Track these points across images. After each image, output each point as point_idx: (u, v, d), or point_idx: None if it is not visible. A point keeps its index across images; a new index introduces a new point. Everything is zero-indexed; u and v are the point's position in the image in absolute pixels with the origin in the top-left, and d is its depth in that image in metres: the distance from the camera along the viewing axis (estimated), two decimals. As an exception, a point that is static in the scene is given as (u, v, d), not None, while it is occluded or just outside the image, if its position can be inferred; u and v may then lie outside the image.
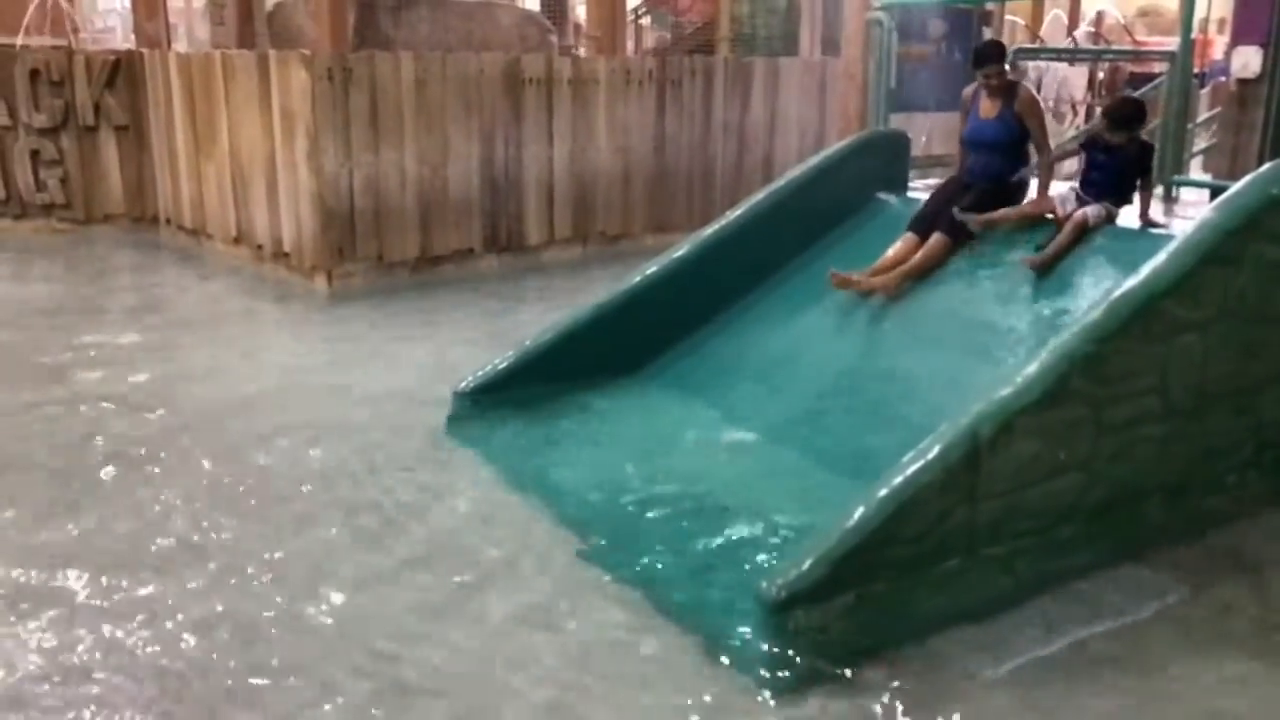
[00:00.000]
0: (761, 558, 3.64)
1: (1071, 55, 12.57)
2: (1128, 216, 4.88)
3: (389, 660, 3.17)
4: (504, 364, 5.09)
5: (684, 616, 3.38)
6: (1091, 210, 4.75)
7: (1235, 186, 4.08)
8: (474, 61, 8.19)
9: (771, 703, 3.00)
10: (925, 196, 5.49)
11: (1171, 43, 7.77)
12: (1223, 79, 8.24)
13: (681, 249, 5.55)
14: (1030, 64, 11.43)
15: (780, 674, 3.08)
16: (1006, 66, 5.26)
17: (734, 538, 3.82)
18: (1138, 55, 12.08)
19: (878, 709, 2.99)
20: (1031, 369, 3.54)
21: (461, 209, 8.23)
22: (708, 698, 3.02)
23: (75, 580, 3.61)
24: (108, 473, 4.51)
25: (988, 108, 5.17)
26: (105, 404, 5.33)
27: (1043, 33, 14.75)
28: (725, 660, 3.16)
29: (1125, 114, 4.82)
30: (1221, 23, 13.45)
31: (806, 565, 3.14)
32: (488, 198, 8.37)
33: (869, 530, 3.19)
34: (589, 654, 3.21)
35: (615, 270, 6.99)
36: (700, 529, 3.89)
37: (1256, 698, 3.08)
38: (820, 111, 10.45)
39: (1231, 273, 3.89)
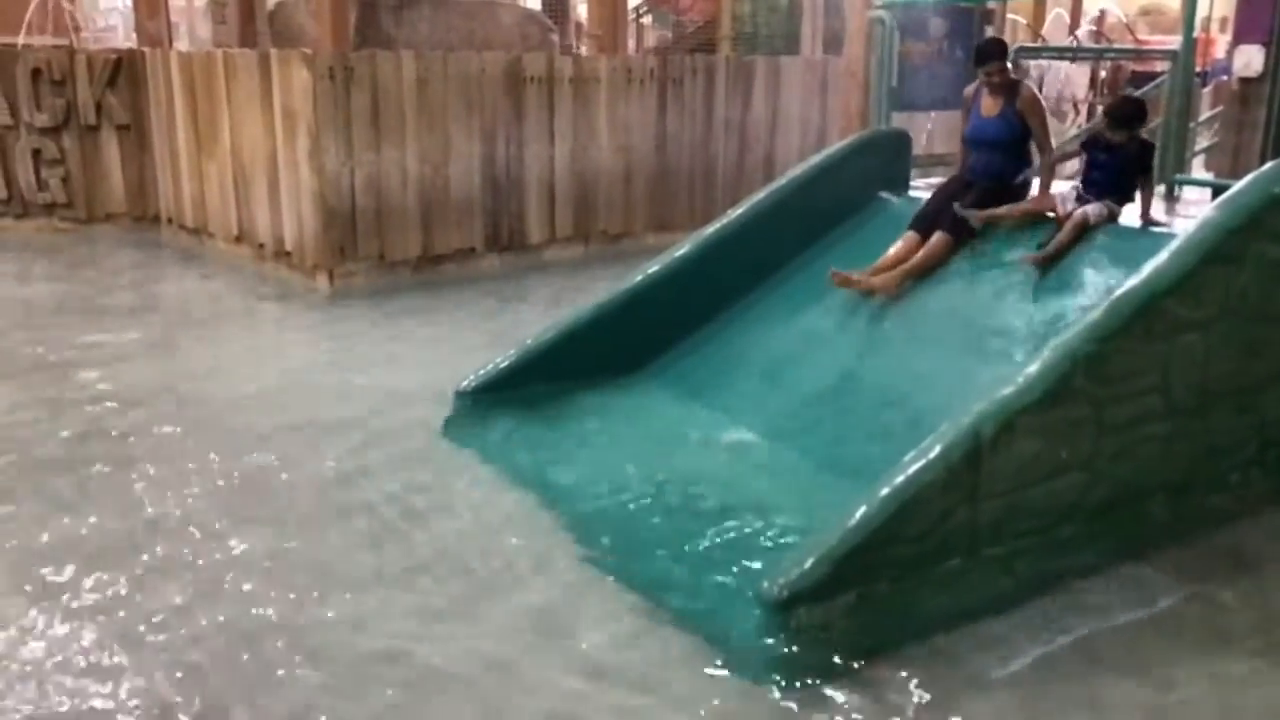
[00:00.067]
0: (762, 557, 3.64)
1: (1073, 54, 12.56)
2: (1129, 215, 4.88)
3: (389, 663, 3.17)
4: (505, 363, 5.09)
5: (685, 616, 3.38)
6: (1092, 209, 4.74)
7: (1237, 185, 4.07)
8: (475, 60, 8.18)
9: (772, 702, 3.00)
10: (927, 195, 5.49)
11: (1173, 41, 7.76)
12: (1225, 78, 8.22)
13: (683, 248, 5.55)
14: (1032, 63, 11.42)
15: (781, 673, 3.07)
16: (1008, 64, 5.26)
17: (735, 537, 3.82)
18: (1140, 54, 12.07)
19: (879, 708, 2.98)
20: (1033, 368, 3.54)
21: (463, 208, 8.23)
22: (708, 697, 3.02)
23: (68, 580, 3.61)
24: (108, 471, 4.51)
25: (989, 106, 5.17)
26: (106, 402, 5.33)
27: (1044, 31, 14.73)
28: (726, 660, 3.16)
29: (1126, 113, 4.82)
30: (1224, 21, 13.45)
31: (808, 564, 3.14)
32: (489, 197, 8.37)
33: (871, 529, 3.19)
34: (589, 654, 3.21)
35: (616, 269, 6.98)
36: (701, 528, 3.88)
37: (1259, 697, 3.07)
38: (822, 110, 10.44)
39: (1233, 271, 3.88)
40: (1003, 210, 4.97)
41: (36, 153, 9.30)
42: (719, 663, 3.16)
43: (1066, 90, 13.43)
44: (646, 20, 16.93)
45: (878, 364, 4.76)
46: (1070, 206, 4.80)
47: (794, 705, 2.99)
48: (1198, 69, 7.58)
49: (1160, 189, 6.02)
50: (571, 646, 3.25)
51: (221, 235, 8.82)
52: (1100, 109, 5.90)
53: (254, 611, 3.43)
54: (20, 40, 12.84)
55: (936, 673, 3.12)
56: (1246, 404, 4.07)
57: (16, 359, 6.08)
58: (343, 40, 8.45)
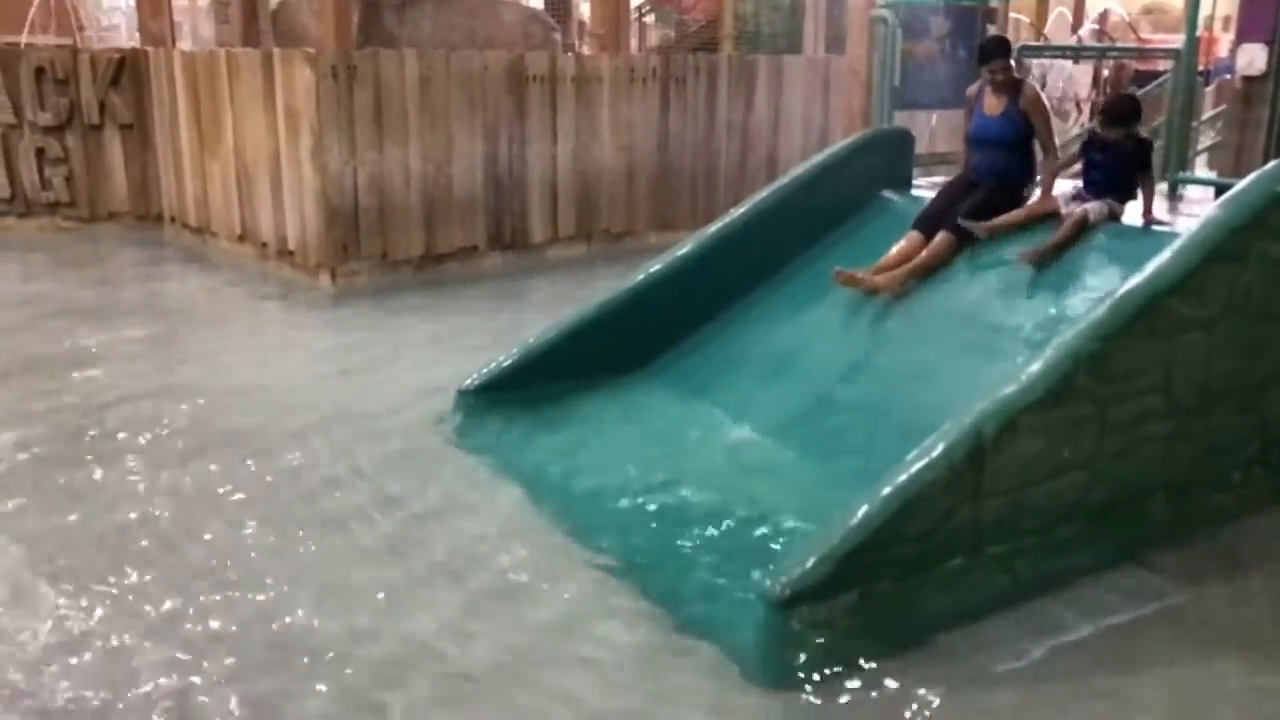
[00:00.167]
0: (765, 556, 3.64)
1: (1076, 53, 12.55)
2: (1132, 214, 4.88)
3: (390, 665, 3.18)
4: (508, 362, 5.10)
5: (685, 614, 3.38)
6: (1092, 207, 4.75)
7: (1240, 184, 4.07)
8: (478, 59, 8.19)
9: (774, 701, 3.01)
10: (930, 194, 5.49)
11: (1176, 40, 7.76)
12: (1228, 76, 8.22)
13: (685, 247, 5.55)
14: (1035, 61, 11.41)
15: (783, 672, 3.07)
16: (1012, 62, 5.25)
17: (736, 536, 3.82)
18: (1142, 53, 12.05)
19: (880, 707, 2.99)
20: (1036, 367, 3.54)
21: (465, 207, 8.24)
22: (709, 695, 3.02)
23: (65, 584, 3.61)
24: (108, 470, 4.51)
25: (993, 105, 5.16)
26: (107, 401, 5.34)
27: (1047, 30, 14.72)
28: (727, 658, 3.16)
29: (1120, 111, 4.83)
30: (1226, 20, 13.43)
31: (811, 563, 3.14)
32: (492, 195, 8.37)
33: (873, 528, 3.19)
34: (589, 653, 3.21)
35: (619, 268, 6.99)
36: (702, 527, 3.89)
37: (1260, 697, 3.07)
38: (824, 109, 10.44)
39: (1237, 270, 3.88)
40: (1006, 218, 4.95)
41: (40, 152, 9.31)
42: (720, 661, 3.16)
43: (1069, 89, 13.42)
44: (649, 19, 16.92)
45: (881, 363, 4.76)
46: (1071, 207, 4.81)
47: (795, 704, 2.99)
48: (1200, 67, 7.58)
49: (1163, 188, 6.02)
50: (571, 646, 3.25)
51: (224, 234, 8.83)
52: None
53: (249, 613, 3.43)
54: (24, 39, 12.84)
55: (938, 672, 3.13)
56: (1249, 403, 4.06)
57: (18, 357, 6.09)
58: (345, 39, 8.45)
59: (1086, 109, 13.32)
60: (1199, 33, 6.15)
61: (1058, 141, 5.24)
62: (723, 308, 5.49)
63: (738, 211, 5.68)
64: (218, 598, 3.49)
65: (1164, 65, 8.03)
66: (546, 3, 12.98)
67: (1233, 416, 4.02)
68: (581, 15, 14.66)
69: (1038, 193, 5.13)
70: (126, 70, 9.45)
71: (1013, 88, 5.13)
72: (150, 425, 5.03)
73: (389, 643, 3.25)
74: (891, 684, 3.07)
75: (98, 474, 4.47)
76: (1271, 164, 4.13)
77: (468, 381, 5.05)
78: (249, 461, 4.60)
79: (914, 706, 2.99)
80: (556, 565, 3.71)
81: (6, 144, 9.28)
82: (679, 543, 3.80)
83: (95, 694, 2.98)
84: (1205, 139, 8.28)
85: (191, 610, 3.42)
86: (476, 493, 4.30)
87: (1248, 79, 6.35)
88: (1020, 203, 5.11)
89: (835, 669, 3.10)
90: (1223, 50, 12.71)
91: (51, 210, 9.51)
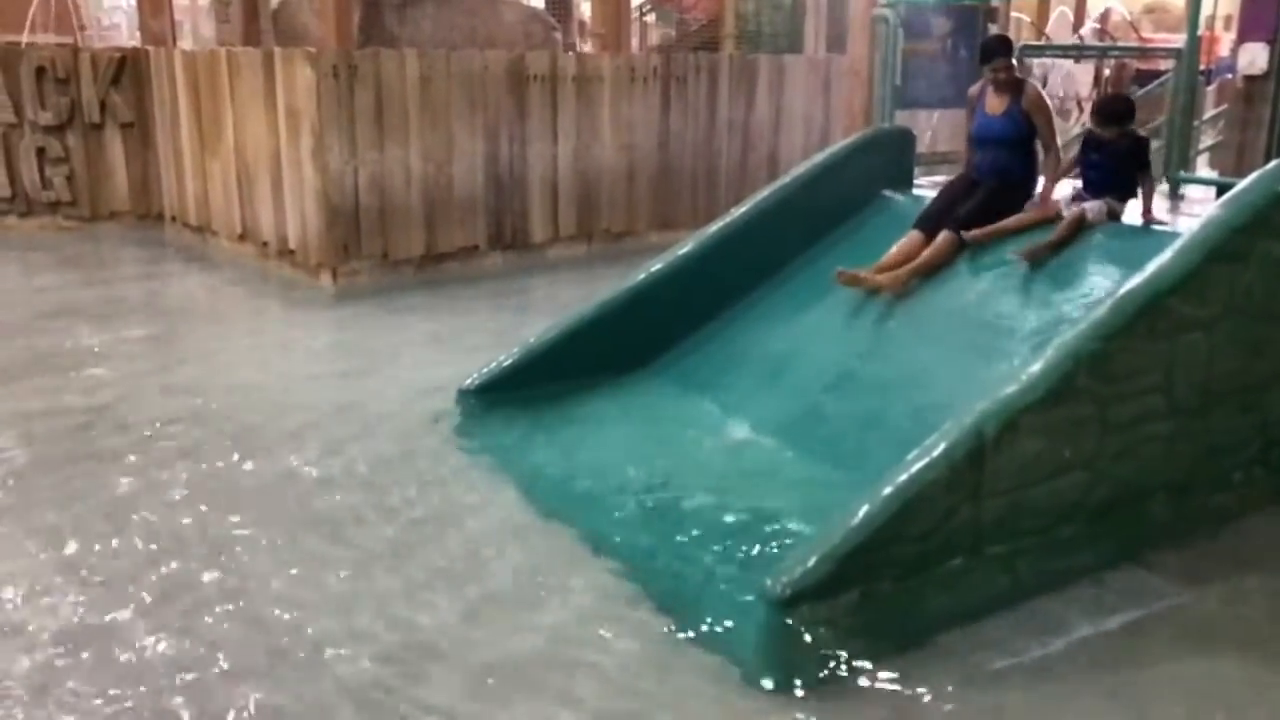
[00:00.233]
0: (765, 555, 3.64)
1: (1077, 52, 12.54)
2: (1132, 212, 4.87)
3: (389, 663, 3.17)
4: (508, 361, 5.10)
5: (687, 613, 3.38)
6: (1090, 206, 4.75)
7: (1242, 183, 4.06)
8: (478, 59, 8.19)
9: (774, 700, 3.00)
10: (931, 194, 5.48)
11: (1178, 39, 7.75)
12: (1229, 76, 8.21)
13: (686, 246, 5.55)
14: (1036, 61, 11.40)
15: (783, 671, 3.07)
16: (1014, 61, 5.25)
17: (737, 535, 3.82)
18: (1144, 52, 12.04)
19: (880, 707, 2.99)
20: (1036, 367, 3.54)
21: (466, 206, 8.23)
22: (709, 695, 3.02)
23: (66, 588, 3.61)
24: (106, 471, 4.51)
25: (995, 104, 5.16)
26: (106, 401, 5.34)
27: (1048, 30, 14.71)
28: (728, 657, 3.16)
29: (1113, 109, 4.84)
30: (1228, 19, 13.41)
31: (811, 562, 3.13)
32: (492, 195, 8.37)
33: (874, 528, 3.19)
34: (589, 652, 3.21)
35: (619, 268, 6.97)
36: (703, 526, 3.88)
37: (1261, 697, 3.07)
38: (825, 109, 10.44)
39: (1238, 270, 3.88)
40: (1008, 223, 4.94)
41: (41, 151, 9.31)
42: (720, 660, 3.15)
43: (1070, 89, 13.41)
44: (650, 19, 16.91)
45: (882, 362, 4.76)
46: (1071, 207, 4.81)
47: (795, 703, 2.99)
48: (1202, 67, 7.57)
49: (1164, 187, 6.01)
50: (570, 646, 3.24)
51: (225, 234, 8.83)
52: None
53: (248, 614, 3.43)
54: (24, 38, 12.84)
55: (939, 671, 3.12)
56: (1250, 403, 4.06)
57: (19, 356, 6.09)
58: (346, 38, 8.45)
59: (1087, 108, 13.31)
60: (1200, 32, 6.14)
61: (1059, 141, 5.23)
62: (724, 307, 5.48)
63: (738, 211, 5.68)
64: (217, 597, 3.49)
65: (1165, 64, 8.02)
66: (547, 2, 12.98)
67: (1234, 416, 4.02)
68: (582, 15, 14.66)
69: (1039, 194, 5.13)
70: (127, 69, 9.46)
71: (1015, 87, 5.13)
72: (150, 425, 5.03)
73: (389, 646, 3.24)
74: (892, 684, 3.07)
75: (96, 474, 4.46)
76: (1273, 163, 4.13)
77: (468, 381, 5.05)
78: (248, 462, 4.60)
79: (914, 706, 2.99)
80: (556, 566, 3.71)
81: (7, 143, 9.28)
82: (679, 542, 3.80)
83: (100, 687, 2.99)
84: (1207, 138, 8.28)
85: (191, 609, 3.42)
86: (476, 493, 4.30)
87: (1249, 78, 6.34)
88: (1022, 202, 5.11)
89: (836, 669, 3.10)
90: (1224, 49, 12.70)
91: (52, 209, 9.51)
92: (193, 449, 4.73)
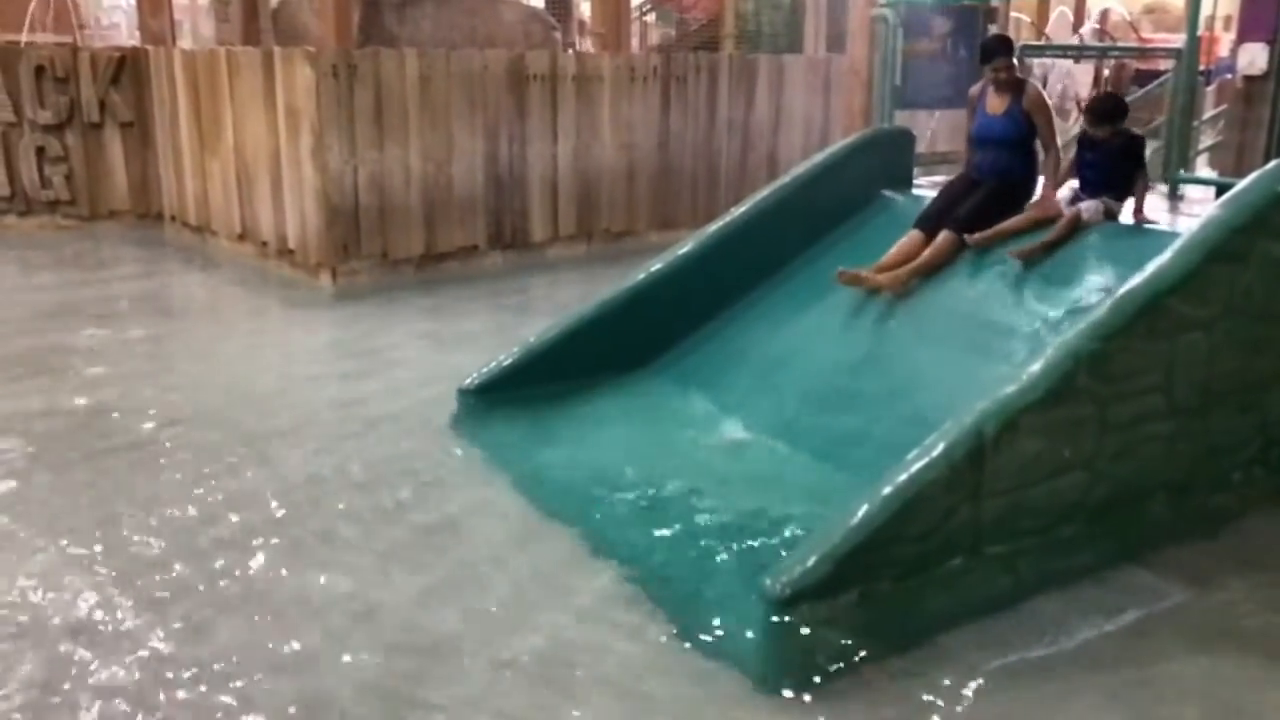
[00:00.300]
0: (765, 555, 3.64)
1: (1077, 52, 12.55)
2: (1127, 212, 4.88)
3: (386, 656, 3.17)
4: (508, 361, 5.10)
5: (686, 614, 3.38)
6: (1086, 206, 4.75)
7: (1241, 183, 4.07)
8: (478, 58, 8.19)
9: (774, 700, 3.00)
10: (930, 194, 5.49)
11: (1177, 39, 7.75)
12: (1229, 76, 8.22)
13: (686, 246, 5.55)
14: (1035, 61, 11.40)
15: (783, 671, 3.07)
16: (1014, 60, 5.25)
17: (737, 535, 3.82)
18: (1143, 52, 12.05)
19: (880, 707, 2.99)
20: (1036, 367, 3.54)
21: (466, 206, 8.23)
22: (709, 694, 3.02)
23: (78, 587, 3.61)
24: (104, 471, 4.51)
25: (995, 104, 5.16)
26: (104, 401, 5.34)
27: (1048, 30, 14.71)
28: (728, 657, 3.16)
29: (1104, 108, 4.84)
30: (1227, 20, 13.42)
31: (811, 562, 3.14)
32: (492, 194, 8.37)
33: (874, 527, 3.19)
34: (589, 653, 3.21)
35: (619, 267, 6.98)
36: (703, 526, 3.89)
37: (1261, 697, 3.07)
38: (825, 108, 10.44)
39: (1238, 270, 3.88)
40: (1008, 225, 4.94)
41: (40, 150, 9.31)
42: (720, 660, 3.15)
43: (1070, 88, 13.41)
44: (650, 18, 16.92)
45: (882, 362, 4.76)
46: (1069, 208, 4.81)
47: (795, 703, 2.99)
48: (1201, 67, 7.58)
49: (1164, 187, 6.02)
50: (570, 644, 3.25)
51: (224, 233, 8.83)
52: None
53: (249, 613, 3.43)
54: (23, 38, 12.84)
55: (938, 671, 3.12)
56: (1249, 403, 4.06)
57: (18, 356, 6.09)
58: (346, 38, 8.45)
59: (1087, 108, 13.29)
60: (1200, 32, 6.14)
61: (1059, 141, 5.24)
62: (723, 307, 5.49)
63: (738, 211, 5.68)
64: (218, 596, 3.50)
65: (1165, 65, 8.02)
66: (547, 2, 12.98)
67: (1233, 416, 4.02)
68: (582, 14, 14.66)
69: (1038, 194, 5.13)
70: (127, 69, 9.45)
71: (1015, 87, 5.13)
72: (149, 424, 5.03)
73: (391, 647, 3.24)
74: (892, 683, 3.07)
75: (94, 474, 4.46)
76: (1272, 164, 4.13)
77: (468, 381, 5.05)
78: (246, 462, 4.59)
79: (914, 706, 2.99)
80: (554, 565, 3.71)
81: (6, 142, 9.27)
82: (679, 543, 3.80)
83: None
84: (1206, 138, 8.28)
85: (194, 607, 3.42)
86: (475, 493, 4.30)
87: (1249, 78, 6.34)
88: (1023, 202, 5.11)
89: (835, 668, 3.10)
90: (1224, 50, 12.71)
91: (51, 209, 9.50)
92: (191, 449, 4.73)
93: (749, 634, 3.20)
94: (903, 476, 3.29)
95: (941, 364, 4.53)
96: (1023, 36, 12.91)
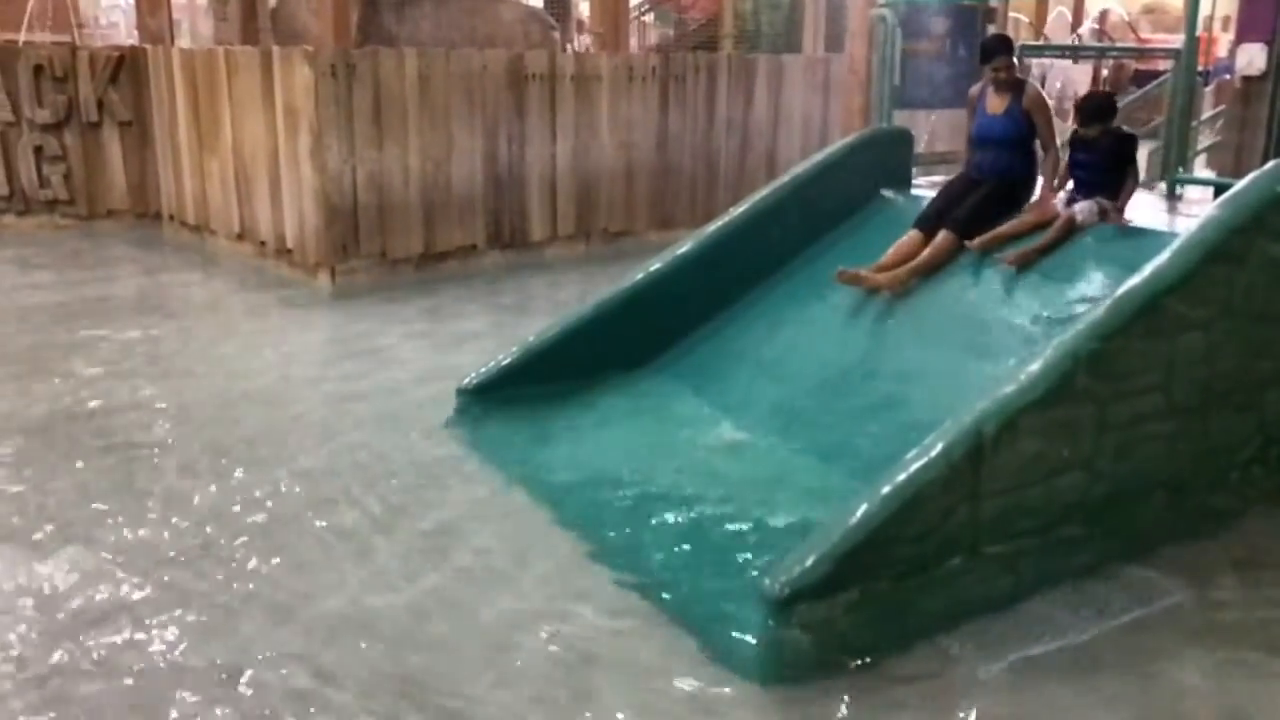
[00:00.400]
0: (764, 554, 3.64)
1: (1076, 52, 12.56)
2: (1128, 211, 4.87)
3: (390, 659, 3.17)
4: (507, 361, 5.09)
5: (685, 613, 3.38)
6: (1080, 208, 4.75)
7: (1240, 184, 4.07)
8: (477, 58, 8.18)
9: (773, 700, 3.00)
10: (929, 194, 5.49)
11: (1176, 40, 7.76)
12: (1227, 76, 8.23)
13: (684, 246, 5.55)
14: (1034, 61, 11.41)
15: (782, 671, 3.08)
16: (1014, 60, 5.25)
17: (736, 535, 3.82)
18: (1142, 53, 12.07)
19: (880, 707, 2.99)
20: (1035, 366, 3.54)
21: (465, 205, 8.23)
22: (709, 695, 3.02)
23: (62, 588, 3.61)
24: (102, 472, 4.50)
25: (995, 104, 5.16)
26: (102, 401, 5.33)
27: (1047, 30, 14.73)
28: (727, 657, 3.16)
29: (1094, 107, 4.84)
30: (1226, 20, 13.44)
31: (810, 562, 3.13)
32: (491, 194, 8.37)
33: (873, 527, 3.19)
34: (589, 653, 3.21)
35: (618, 267, 6.98)
36: (702, 526, 3.89)
37: (1260, 697, 3.07)
38: (824, 108, 10.44)
39: (1236, 270, 3.88)
40: (1006, 228, 4.93)
41: (38, 149, 9.30)
42: (719, 660, 3.16)
43: (1069, 89, 13.43)
44: (648, 18, 16.92)
45: (881, 361, 4.76)
46: (1064, 209, 4.81)
47: (795, 703, 2.99)
48: (1200, 67, 7.58)
49: (1163, 187, 6.02)
50: (570, 643, 3.25)
51: (223, 232, 8.82)
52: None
53: (252, 613, 3.43)
54: (22, 37, 12.83)
55: (937, 671, 3.13)
56: (1249, 402, 4.06)
57: (17, 355, 6.08)
58: (344, 37, 8.45)
59: (1085, 108, 13.30)
60: (1198, 33, 6.14)
61: (1058, 141, 5.24)
62: (722, 306, 5.48)
63: (737, 210, 5.68)
64: (218, 595, 3.50)
65: (1164, 65, 8.03)
66: (546, 1, 12.98)
67: (1232, 416, 4.02)
68: (580, 14, 14.67)
69: (1038, 194, 5.13)
70: (125, 68, 9.44)
71: (1015, 87, 5.14)
72: (147, 424, 5.03)
73: (366, 649, 3.24)
74: (891, 683, 3.08)
75: (92, 476, 4.45)
76: (1271, 164, 4.13)
77: (466, 380, 5.05)
78: (244, 461, 4.59)
79: (913, 705, 2.99)
80: (552, 564, 3.71)
81: (5, 141, 9.26)
82: (678, 542, 3.80)
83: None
84: (1205, 139, 8.28)
85: (197, 603, 3.42)
86: (473, 493, 4.29)
87: (1247, 79, 6.35)
88: (1022, 202, 5.11)
89: (834, 668, 3.10)
90: (1222, 50, 12.73)
91: (50, 208, 9.50)
92: (190, 448, 4.73)
93: (748, 633, 3.20)
94: (902, 476, 3.29)
95: (940, 364, 4.53)
96: (1021, 36, 12.92)
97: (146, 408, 5.23)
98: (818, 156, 5.93)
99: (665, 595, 3.48)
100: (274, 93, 7.72)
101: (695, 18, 14.83)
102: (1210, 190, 5.78)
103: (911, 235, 5.12)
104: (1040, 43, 12.77)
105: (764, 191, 5.77)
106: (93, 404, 5.28)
